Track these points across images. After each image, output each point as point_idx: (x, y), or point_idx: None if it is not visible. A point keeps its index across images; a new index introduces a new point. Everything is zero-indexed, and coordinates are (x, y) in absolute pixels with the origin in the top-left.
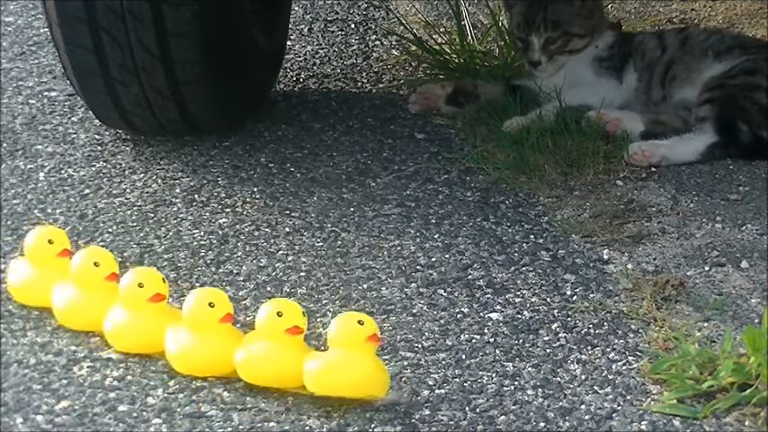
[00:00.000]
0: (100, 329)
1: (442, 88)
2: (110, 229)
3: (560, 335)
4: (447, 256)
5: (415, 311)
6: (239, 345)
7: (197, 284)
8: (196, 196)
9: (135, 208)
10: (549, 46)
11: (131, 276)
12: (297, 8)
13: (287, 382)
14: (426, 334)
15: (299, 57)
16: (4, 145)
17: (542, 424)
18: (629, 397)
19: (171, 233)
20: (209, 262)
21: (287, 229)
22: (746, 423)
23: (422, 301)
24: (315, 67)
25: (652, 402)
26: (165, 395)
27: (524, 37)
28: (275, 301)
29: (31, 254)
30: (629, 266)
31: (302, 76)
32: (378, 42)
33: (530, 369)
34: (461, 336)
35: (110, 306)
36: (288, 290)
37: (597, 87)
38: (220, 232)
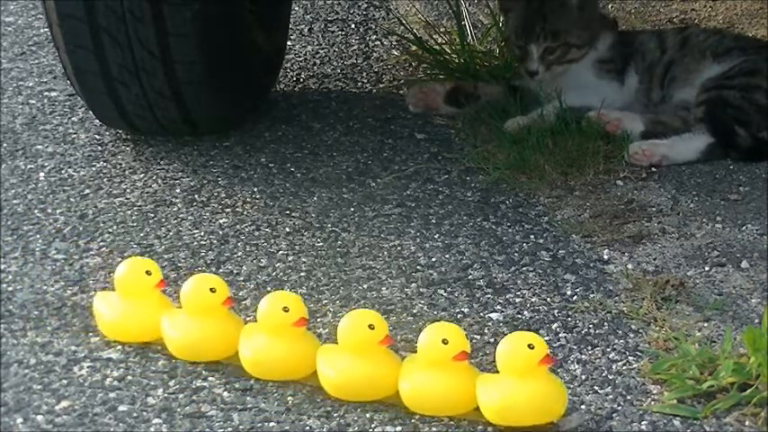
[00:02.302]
0: (226, 356)
1: (441, 86)
2: (110, 229)
3: (560, 335)
4: (447, 256)
5: (415, 311)
6: (394, 371)
7: None
8: (196, 196)
9: (135, 208)
10: (547, 56)
11: (273, 301)
12: (297, 8)
13: (458, 409)
14: None
15: (299, 57)
16: (4, 145)
17: None
18: (629, 397)
19: (171, 233)
20: (209, 262)
21: (287, 229)
22: (746, 423)
23: (422, 301)
24: (315, 67)
25: (652, 402)
26: (165, 395)
27: (522, 45)
28: (438, 327)
29: (128, 287)
30: (630, 266)
31: (302, 76)
32: (378, 42)
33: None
34: None
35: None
36: (288, 290)
37: (599, 89)
38: (220, 232)
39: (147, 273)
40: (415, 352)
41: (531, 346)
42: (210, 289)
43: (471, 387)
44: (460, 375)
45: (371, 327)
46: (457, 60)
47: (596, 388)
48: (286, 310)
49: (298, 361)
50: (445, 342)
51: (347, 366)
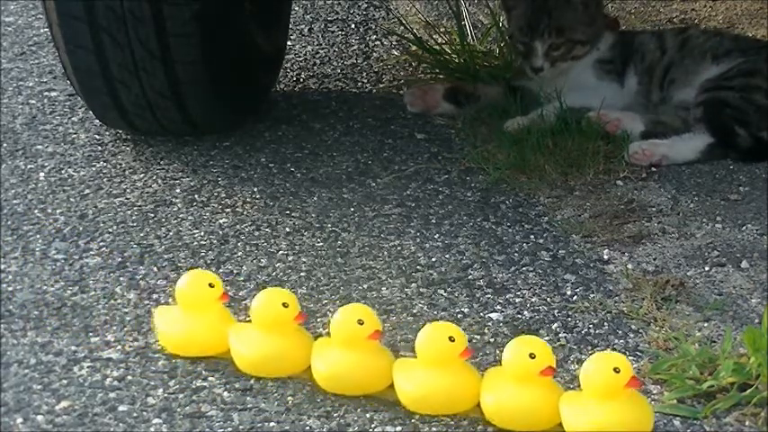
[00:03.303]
0: (298, 372)
1: (440, 84)
2: (110, 229)
3: (560, 335)
4: (447, 256)
5: (415, 311)
6: (474, 384)
7: None
8: (196, 196)
9: (135, 208)
10: (552, 52)
11: (347, 314)
12: (297, 8)
13: (542, 425)
14: None
15: (299, 57)
16: (4, 145)
17: None
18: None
19: (171, 233)
20: (209, 262)
21: (287, 229)
22: (746, 423)
23: (422, 301)
24: (315, 67)
25: (652, 402)
26: (165, 395)
27: (527, 42)
28: (522, 341)
29: (191, 301)
30: (630, 266)
31: (302, 76)
32: (378, 42)
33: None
34: None
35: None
36: (288, 290)
37: (599, 90)
38: (220, 232)
39: (210, 285)
40: (414, 351)
41: (617, 370)
42: (283, 304)
43: (555, 403)
44: (545, 391)
45: (452, 339)
46: (457, 60)
47: None
48: (361, 322)
49: (375, 374)
50: (532, 357)
51: (426, 380)
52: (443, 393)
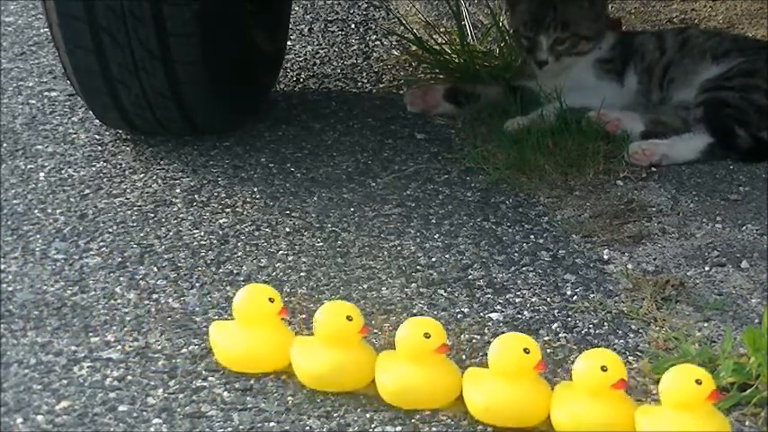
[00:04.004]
0: (362, 386)
1: (440, 84)
2: (110, 229)
3: (560, 335)
4: (447, 256)
5: (415, 311)
6: (544, 397)
7: (197, 284)
8: (196, 196)
9: (135, 208)
10: (556, 46)
11: (413, 327)
12: (297, 8)
13: None
14: None
15: (300, 57)
16: (4, 145)
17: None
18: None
19: (171, 233)
20: (209, 262)
21: (287, 229)
22: (746, 423)
23: (422, 301)
24: (315, 67)
25: (652, 402)
26: (165, 395)
27: (532, 36)
28: (595, 354)
29: (250, 316)
30: (630, 266)
31: (302, 76)
32: (378, 42)
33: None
34: (462, 336)
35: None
36: (288, 290)
37: (599, 90)
38: (220, 232)
39: (270, 300)
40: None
41: (699, 382)
42: (347, 317)
43: (630, 417)
44: (620, 404)
45: (527, 351)
46: (457, 60)
47: None
48: (427, 336)
49: (443, 388)
50: (604, 369)
51: (497, 391)
52: (513, 405)
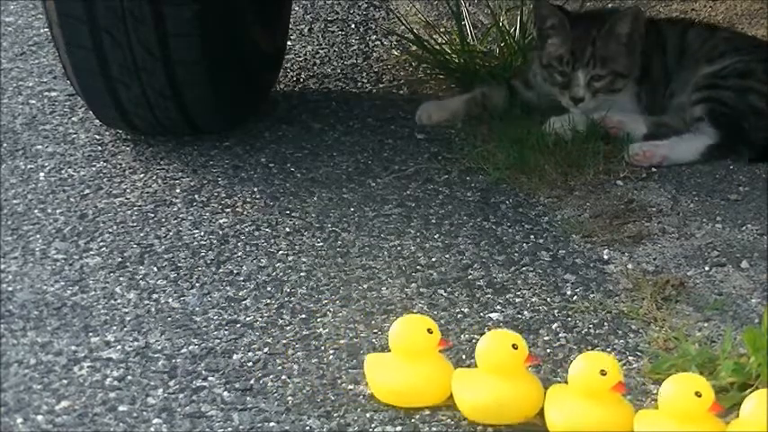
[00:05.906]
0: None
1: (453, 101)
2: (110, 229)
3: (560, 335)
4: (447, 256)
5: (415, 311)
6: (627, 418)
7: (197, 284)
8: (196, 196)
9: (135, 208)
10: (593, 83)
11: (589, 364)
12: (297, 8)
13: None
14: None
15: (300, 57)
16: (4, 145)
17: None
18: (629, 397)
19: (171, 233)
20: (209, 262)
21: (287, 229)
22: None
23: (422, 301)
24: (315, 67)
25: (652, 402)
26: (165, 395)
27: (567, 71)
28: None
29: (410, 349)
30: (630, 266)
31: (302, 76)
32: (378, 42)
33: (530, 369)
34: (462, 336)
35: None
36: (288, 290)
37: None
38: (220, 232)
39: (429, 331)
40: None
41: (698, 394)
42: (512, 345)
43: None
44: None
45: (603, 373)
46: (457, 60)
47: None
48: (603, 373)
49: (615, 426)
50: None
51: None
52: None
